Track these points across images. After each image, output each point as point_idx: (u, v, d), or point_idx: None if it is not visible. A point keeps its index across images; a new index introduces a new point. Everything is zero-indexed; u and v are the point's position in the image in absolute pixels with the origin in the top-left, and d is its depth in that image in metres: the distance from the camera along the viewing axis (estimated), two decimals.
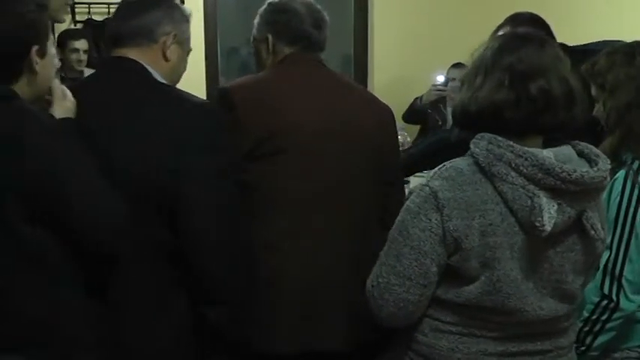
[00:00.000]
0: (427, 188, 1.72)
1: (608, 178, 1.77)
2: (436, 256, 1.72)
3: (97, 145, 1.81)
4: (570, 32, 3.04)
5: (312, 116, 2.19)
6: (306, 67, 2.30)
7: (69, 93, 1.89)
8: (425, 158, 3.58)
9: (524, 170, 1.66)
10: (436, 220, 1.70)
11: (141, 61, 1.97)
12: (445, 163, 1.77)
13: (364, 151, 2.24)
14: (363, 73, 5.53)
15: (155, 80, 1.97)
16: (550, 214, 1.65)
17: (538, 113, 1.71)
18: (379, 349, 2.30)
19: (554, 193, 1.67)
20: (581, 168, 1.70)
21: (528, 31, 1.84)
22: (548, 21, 2.81)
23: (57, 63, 1.91)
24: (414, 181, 4.06)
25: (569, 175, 1.66)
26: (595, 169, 1.71)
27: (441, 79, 4.73)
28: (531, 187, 1.67)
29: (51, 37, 1.84)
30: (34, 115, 1.73)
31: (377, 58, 5.41)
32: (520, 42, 1.76)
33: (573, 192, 1.68)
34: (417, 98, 4.87)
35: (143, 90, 1.95)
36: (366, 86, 5.47)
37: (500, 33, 2.93)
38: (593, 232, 1.75)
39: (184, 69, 2.12)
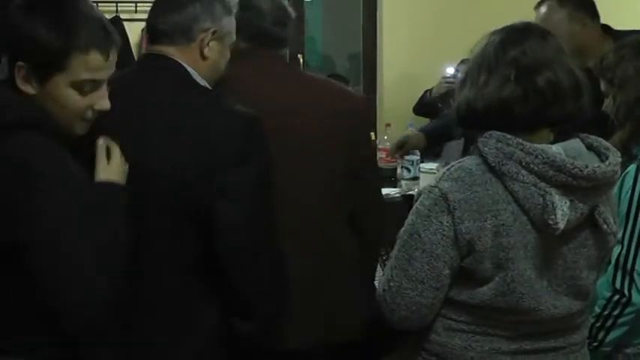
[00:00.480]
0: (436, 190, 1.70)
1: (619, 172, 1.76)
2: (449, 259, 1.70)
3: (126, 148, 1.74)
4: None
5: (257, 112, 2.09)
6: (259, 63, 2.24)
7: (117, 154, 1.73)
8: (431, 138, 3.68)
9: (535, 168, 1.64)
10: (448, 222, 1.67)
11: (180, 60, 1.89)
12: (452, 163, 1.75)
13: (317, 147, 2.18)
14: (372, 70, 5.52)
15: (194, 83, 1.90)
16: (563, 211, 1.64)
17: (547, 106, 1.69)
18: (384, 348, 2.28)
19: (565, 189, 1.65)
20: (592, 163, 1.69)
21: (528, 23, 1.81)
22: None
23: (79, 104, 1.67)
24: (424, 179, 4.06)
25: (581, 171, 1.64)
26: (606, 163, 1.69)
27: (450, 71, 4.72)
28: (543, 184, 1.65)
29: (80, 74, 1.63)
30: (37, 156, 1.58)
31: (386, 55, 5.40)
32: (521, 35, 1.73)
33: (585, 188, 1.66)
34: (426, 91, 4.89)
35: (181, 93, 1.87)
36: (374, 84, 5.46)
37: (544, 9, 2.92)
38: (605, 227, 1.74)
39: (225, 63, 2.03)
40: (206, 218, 1.79)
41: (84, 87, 1.66)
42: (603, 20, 3.02)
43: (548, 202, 1.64)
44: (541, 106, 1.69)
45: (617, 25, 3.03)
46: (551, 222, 1.63)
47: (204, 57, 1.92)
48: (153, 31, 1.93)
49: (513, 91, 1.68)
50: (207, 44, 1.92)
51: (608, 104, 2.25)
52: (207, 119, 1.82)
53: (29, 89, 1.63)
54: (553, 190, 1.65)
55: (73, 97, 1.66)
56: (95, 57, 1.65)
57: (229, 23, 1.98)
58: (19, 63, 1.61)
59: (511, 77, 1.68)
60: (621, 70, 2.21)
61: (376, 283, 2.22)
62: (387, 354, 2.04)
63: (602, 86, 2.25)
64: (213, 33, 1.92)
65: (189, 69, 1.89)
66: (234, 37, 2.02)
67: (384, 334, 1.95)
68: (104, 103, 1.70)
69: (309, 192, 2.19)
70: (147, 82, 1.90)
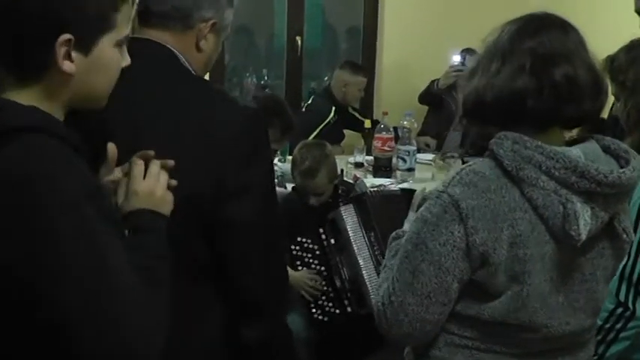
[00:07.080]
0: (445, 196, 1.56)
1: None
2: (458, 272, 1.56)
3: (120, 143, 1.52)
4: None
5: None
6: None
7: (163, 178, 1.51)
8: None
9: (556, 173, 1.51)
10: (459, 232, 1.53)
11: (173, 49, 1.70)
12: (463, 166, 1.62)
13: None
14: (371, 59, 5.50)
15: (191, 73, 1.72)
16: (585, 220, 1.52)
17: (561, 102, 1.55)
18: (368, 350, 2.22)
19: (587, 196, 1.53)
20: (615, 168, 1.57)
21: (548, 13, 1.70)
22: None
23: (119, 63, 1.46)
24: (420, 170, 4.00)
25: (606, 177, 1.51)
26: (630, 168, 1.57)
27: (457, 59, 4.63)
28: (564, 191, 1.52)
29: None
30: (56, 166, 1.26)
31: (386, 44, 5.38)
32: (541, 25, 1.60)
33: (606, 195, 1.54)
34: (433, 81, 4.85)
35: (179, 83, 1.68)
36: (373, 72, 5.43)
37: None
38: (625, 236, 1.63)
39: (216, 58, 1.84)
40: (216, 220, 1.64)
41: (123, 43, 1.45)
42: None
43: (570, 211, 1.51)
44: (555, 102, 1.55)
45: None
46: (573, 233, 1.51)
47: (199, 49, 1.74)
48: (145, 13, 1.71)
49: (527, 83, 1.55)
50: (205, 36, 1.74)
51: (618, 108, 2.17)
52: (214, 116, 1.65)
53: (72, 67, 1.36)
54: (574, 198, 1.52)
55: (117, 57, 1.44)
56: (129, 7, 1.44)
57: (230, 16, 1.80)
58: (65, 36, 1.32)
59: (526, 67, 1.55)
60: (634, 73, 2.12)
61: None
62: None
63: (613, 89, 2.15)
64: (213, 25, 1.74)
65: (182, 59, 1.71)
66: (229, 30, 1.84)
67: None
68: (128, 59, 1.48)
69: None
70: (138, 72, 1.61)
